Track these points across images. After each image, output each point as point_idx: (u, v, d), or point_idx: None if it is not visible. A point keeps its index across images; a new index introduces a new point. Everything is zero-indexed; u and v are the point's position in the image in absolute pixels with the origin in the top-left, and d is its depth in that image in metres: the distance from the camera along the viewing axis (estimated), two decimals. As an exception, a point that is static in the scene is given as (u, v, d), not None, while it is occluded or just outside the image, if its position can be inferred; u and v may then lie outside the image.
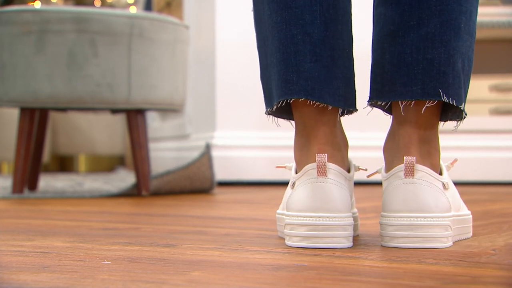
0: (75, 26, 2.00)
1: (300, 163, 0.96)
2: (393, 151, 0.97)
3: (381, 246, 0.94)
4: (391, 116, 1.00)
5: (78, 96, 2.01)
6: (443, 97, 0.93)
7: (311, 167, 0.92)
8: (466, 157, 2.81)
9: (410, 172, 0.92)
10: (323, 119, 0.95)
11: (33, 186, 2.27)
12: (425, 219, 0.91)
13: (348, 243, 0.92)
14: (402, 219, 0.92)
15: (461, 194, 1.05)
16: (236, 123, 2.86)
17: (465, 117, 0.97)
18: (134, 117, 2.11)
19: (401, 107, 0.95)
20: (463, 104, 0.96)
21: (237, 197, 2.12)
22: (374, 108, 1.01)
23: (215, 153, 2.73)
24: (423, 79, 0.94)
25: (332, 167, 0.92)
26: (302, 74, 0.94)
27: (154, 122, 4.06)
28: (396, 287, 0.66)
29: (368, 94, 1.00)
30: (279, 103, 0.96)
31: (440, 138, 0.99)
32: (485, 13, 3.02)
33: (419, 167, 0.93)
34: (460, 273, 0.73)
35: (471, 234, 1.04)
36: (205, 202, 1.94)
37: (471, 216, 1.04)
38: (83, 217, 1.47)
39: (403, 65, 0.95)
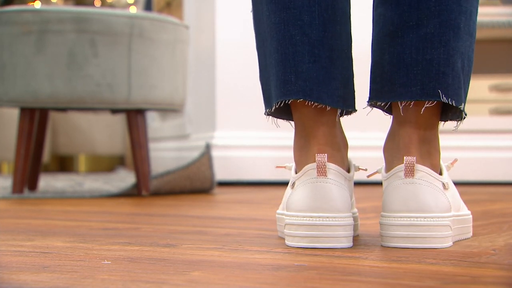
0: (75, 26, 2.00)
1: (300, 164, 0.96)
2: (393, 151, 0.97)
3: (381, 246, 0.94)
4: (391, 116, 1.00)
5: (78, 96, 2.01)
6: (443, 98, 0.93)
7: (311, 167, 0.92)
8: (466, 157, 2.81)
9: (410, 172, 0.92)
10: (322, 119, 0.95)
11: (33, 186, 2.27)
12: (425, 219, 0.91)
13: (348, 243, 0.92)
14: (402, 219, 0.92)
15: (461, 194, 1.05)
16: (236, 123, 2.86)
17: (465, 117, 0.97)
18: (134, 117, 2.11)
19: (401, 107, 0.95)
20: (463, 104, 0.96)
21: (237, 197, 2.12)
22: (374, 108, 1.01)
23: (215, 153, 2.73)
24: (423, 79, 0.93)
25: (332, 167, 0.92)
26: (300, 74, 0.94)
27: (154, 122, 4.06)
28: (396, 287, 0.66)
29: (368, 95, 1.00)
30: (278, 103, 0.96)
31: (440, 138, 0.99)
32: (485, 13, 3.02)
33: (419, 167, 0.93)
34: (460, 273, 0.73)
35: (471, 234, 1.04)
36: (205, 202, 1.94)
37: (471, 216, 1.04)
38: (83, 217, 1.47)
39: (403, 66, 0.95)
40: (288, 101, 0.95)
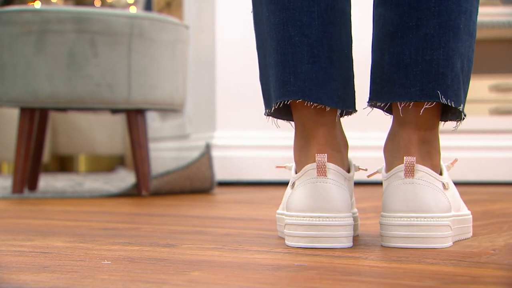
0: (75, 26, 2.00)
1: (300, 164, 0.96)
2: (393, 151, 0.97)
3: (381, 246, 0.94)
4: (392, 116, 1.00)
5: (78, 96, 2.01)
6: (442, 99, 0.93)
7: (311, 167, 0.92)
8: (466, 157, 2.81)
9: (410, 172, 0.92)
10: (322, 120, 0.95)
11: (33, 186, 2.27)
12: (425, 219, 0.91)
13: (348, 243, 0.92)
14: (402, 219, 0.92)
15: (461, 194, 1.05)
16: (236, 123, 2.86)
17: (464, 118, 0.97)
18: (134, 117, 2.11)
19: (400, 108, 0.95)
20: (462, 105, 0.96)
21: (237, 197, 2.12)
22: (374, 108, 1.01)
23: (215, 153, 2.73)
24: (422, 80, 0.93)
25: (331, 167, 0.92)
26: (299, 75, 0.94)
27: (154, 122, 4.06)
28: (396, 287, 0.66)
29: (368, 95, 1.00)
30: (277, 104, 0.96)
31: (440, 138, 0.99)
32: (485, 13, 3.02)
33: (419, 167, 0.93)
34: (460, 273, 0.73)
35: (471, 234, 1.04)
36: (205, 202, 1.94)
37: (471, 216, 1.04)
38: (83, 217, 1.47)
39: (402, 66, 0.94)
40: (288, 102, 0.95)
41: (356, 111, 1.00)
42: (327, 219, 0.91)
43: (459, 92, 0.95)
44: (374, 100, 0.98)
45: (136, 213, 1.61)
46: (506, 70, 3.21)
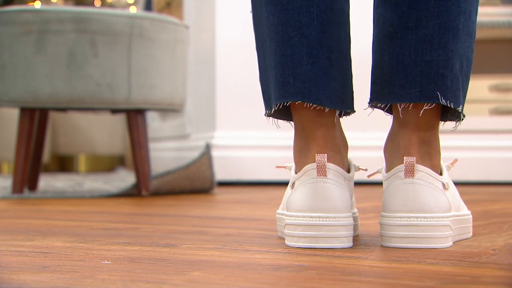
0: (75, 26, 2.00)
1: (300, 164, 0.96)
2: (393, 151, 0.97)
3: (381, 246, 0.94)
4: (392, 116, 1.00)
5: (78, 96, 2.01)
6: (441, 100, 0.93)
7: (310, 167, 0.92)
8: (466, 157, 2.81)
9: (410, 172, 0.92)
10: (321, 121, 0.95)
11: (33, 186, 2.27)
12: (425, 219, 0.91)
13: (348, 243, 0.92)
14: (402, 219, 0.92)
15: (461, 194, 1.05)
16: (236, 123, 2.86)
17: (463, 118, 0.97)
18: (134, 117, 2.11)
19: (400, 109, 0.95)
20: (462, 106, 0.96)
21: (237, 197, 2.12)
22: (375, 109, 1.01)
23: (215, 153, 2.73)
24: (421, 81, 0.93)
25: (331, 167, 0.92)
26: (298, 76, 0.94)
27: (154, 122, 4.06)
28: (396, 287, 0.66)
29: (366, 95, 1.00)
30: (277, 105, 0.96)
31: (440, 138, 0.99)
32: (485, 13, 3.02)
33: (419, 167, 0.93)
34: (460, 273, 0.73)
35: (471, 234, 1.04)
36: (205, 202, 1.94)
37: (471, 216, 1.04)
38: (83, 217, 1.47)
39: (402, 67, 0.94)
40: (287, 103, 0.95)
41: (355, 111, 1.00)
42: (327, 219, 0.91)
43: (458, 93, 0.95)
44: (375, 101, 0.98)
45: (136, 213, 1.61)
46: (506, 70, 3.21)
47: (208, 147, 2.26)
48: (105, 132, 4.81)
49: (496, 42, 3.24)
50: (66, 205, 1.75)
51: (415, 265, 0.78)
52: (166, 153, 3.63)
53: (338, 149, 0.96)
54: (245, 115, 2.83)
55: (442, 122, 1.00)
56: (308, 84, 0.93)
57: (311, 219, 0.91)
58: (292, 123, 1.00)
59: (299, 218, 0.92)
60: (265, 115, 1.02)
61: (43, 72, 2.00)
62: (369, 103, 0.99)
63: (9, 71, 2.03)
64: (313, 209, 0.91)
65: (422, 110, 0.94)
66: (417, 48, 0.94)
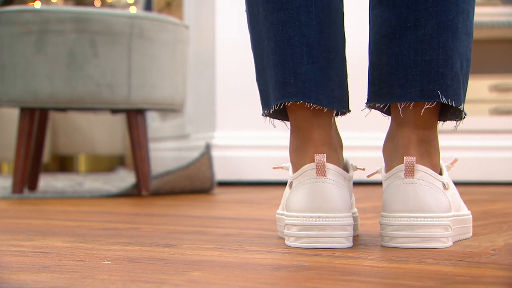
0: (75, 26, 2.00)
1: (296, 165, 0.96)
2: (392, 151, 0.97)
3: (381, 246, 0.94)
4: (390, 117, 1.00)
5: (78, 96, 2.01)
6: (442, 99, 0.93)
7: (309, 167, 0.92)
8: (466, 157, 2.81)
9: (410, 172, 0.92)
10: (319, 121, 0.95)
11: (33, 186, 2.27)
12: (425, 219, 0.91)
13: (348, 243, 0.92)
14: (402, 219, 0.92)
15: (461, 194, 1.05)
16: (236, 123, 2.86)
17: (464, 117, 0.97)
18: (134, 117, 2.11)
19: (400, 109, 0.95)
20: (462, 104, 0.96)
21: (237, 197, 2.12)
22: (373, 109, 1.01)
23: (215, 153, 2.73)
24: (422, 80, 0.93)
25: (330, 167, 0.92)
26: (299, 76, 0.94)
27: (154, 122, 4.06)
28: (396, 287, 0.66)
29: (365, 96, 1.00)
30: (277, 106, 0.96)
31: (440, 138, 0.99)
32: (485, 13, 3.02)
33: (419, 167, 0.93)
34: (460, 273, 0.73)
35: (471, 234, 1.04)
36: (205, 202, 1.94)
37: (471, 216, 1.04)
38: (83, 217, 1.47)
39: (401, 67, 0.94)
40: (288, 104, 0.95)
41: (350, 111, 1.00)
42: (327, 219, 0.91)
43: (459, 92, 0.95)
44: (373, 101, 0.98)
45: (136, 213, 1.61)
46: (506, 70, 3.21)
47: (208, 147, 2.26)
48: (105, 132, 4.81)
49: (496, 42, 3.24)
50: (66, 205, 1.75)
51: (415, 265, 0.78)
52: (166, 153, 3.63)
53: (335, 149, 0.96)
54: (245, 115, 2.83)
55: (442, 122, 1.00)
56: (309, 84, 0.93)
57: (310, 219, 0.91)
58: (287, 123, 1.00)
59: (298, 218, 0.92)
60: (262, 115, 1.02)
61: (43, 72, 2.00)
62: (367, 103, 0.99)
63: (9, 71, 2.03)
64: (313, 209, 0.91)
65: (423, 109, 0.94)
66: (416, 48, 0.94)
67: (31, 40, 2.00)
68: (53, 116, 4.60)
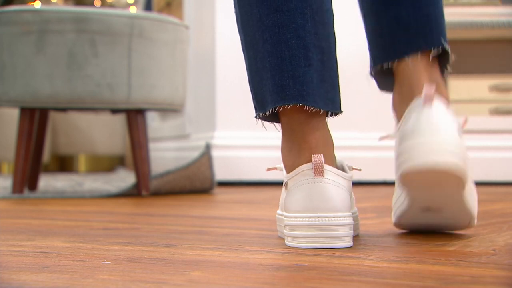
0: (75, 26, 2.00)
1: (290, 166, 0.95)
2: (403, 96, 1.01)
3: (381, 246, 0.94)
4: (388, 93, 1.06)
5: (78, 96, 2.01)
6: (444, 43, 1.01)
7: (306, 168, 0.92)
8: (466, 157, 2.80)
9: (429, 99, 0.93)
10: (313, 122, 0.95)
11: (33, 186, 2.27)
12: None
13: (348, 243, 0.92)
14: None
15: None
16: (236, 123, 2.86)
17: (452, 58, 1.04)
18: (134, 117, 2.11)
19: (409, 61, 1.00)
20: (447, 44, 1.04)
21: (237, 197, 2.12)
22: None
23: (215, 153, 2.73)
24: (424, 32, 1.01)
25: (328, 168, 0.92)
26: (298, 79, 0.94)
27: (154, 122, 4.06)
28: (396, 287, 0.66)
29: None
30: (275, 108, 0.95)
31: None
32: (485, 13, 3.02)
33: (437, 97, 0.94)
34: (460, 273, 0.73)
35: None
36: (205, 202, 1.94)
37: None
38: (83, 217, 1.47)
39: (402, 26, 1.02)
40: (288, 106, 0.94)
41: (342, 112, 1.00)
42: (326, 218, 0.91)
43: (446, 36, 1.04)
44: (379, 63, 1.02)
45: (136, 213, 1.61)
46: (506, 70, 3.21)
47: (208, 147, 2.26)
48: (105, 132, 4.81)
49: (496, 42, 3.24)
50: (66, 205, 1.75)
51: (415, 265, 0.78)
52: (166, 153, 3.63)
53: (329, 150, 0.96)
54: (245, 115, 2.83)
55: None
56: (306, 87, 0.93)
57: (310, 219, 0.91)
58: (277, 124, 1.00)
59: (298, 219, 0.92)
60: (256, 117, 1.01)
61: (43, 72, 2.00)
62: (371, 69, 1.03)
63: (9, 71, 2.03)
64: (312, 209, 0.91)
65: (431, 56, 1.00)
66: (414, 5, 1.01)
67: (31, 40, 2.00)
68: (53, 116, 4.60)
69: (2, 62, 2.04)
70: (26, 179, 2.10)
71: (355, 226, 1.05)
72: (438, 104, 0.92)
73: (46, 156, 4.45)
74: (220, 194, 2.25)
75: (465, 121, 1.01)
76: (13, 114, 4.10)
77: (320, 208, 0.91)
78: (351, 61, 2.32)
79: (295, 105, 0.94)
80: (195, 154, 2.72)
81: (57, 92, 2.00)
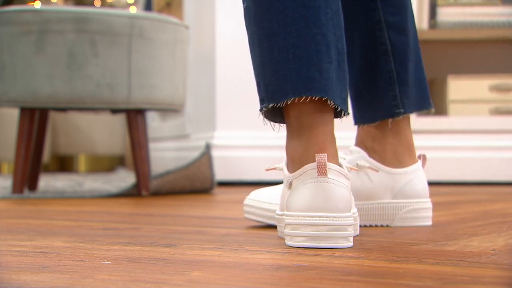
0: (75, 26, 2.00)
1: (297, 163, 0.95)
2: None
3: (381, 246, 0.94)
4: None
5: (78, 96, 2.01)
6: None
7: (311, 167, 0.92)
8: (466, 157, 2.81)
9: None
10: (322, 119, 0.96)
11: (33, 186, 2.27)
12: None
13: (348, 243, 0.92)
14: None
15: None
16: (236, 123, 2.86)
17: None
18: (134, 117, 2.11)
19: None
20: None
21: (237, 197, 2.12)
22: None
23: (215, 153, 2.73)
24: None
25: (332, 167, 0.92)
26: (323, 73, 0.95)
27: (154, 122, 4.06)
28: (396, 287, 0.66)
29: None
30: (299, 99, 0.95)
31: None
32: (485, 13, 3.02)
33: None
34: (460, 273, 0.73)
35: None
36: (205, 202, 1.94)
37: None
38: (83, 217, 1.47)
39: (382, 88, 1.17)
40: (315, 98, 0.94)
41: (349, 114, 1.01)
42: (328, 219, 0.91)
43: None
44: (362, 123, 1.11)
45: (136, 213, 1.61)
46: (506, 70, 3.21)
47: (208, 147, 2.26)
48: (105, 132, 4.81)
49: (496, 42, 3.24)
50: (66, 205, 1.75)
51: (415, 265, 0.78)
52: (166, 153, 3.63)
53: (335, 147, 0.97)
54: (245, 115, 2.83)
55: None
56: (329, 82, 0.95)
57: (311, 218, 0.91)
58: (275, 123, 1.00)
59: (299, 218, 0.92)
60: (260, 110, 1.01)
61: (43, 72, 2.00)
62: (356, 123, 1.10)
63: (9, 71, 2.03)
64: (314, 208, 0.91)
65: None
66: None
67: (31, 40, 2.00)
68: (53, 116, 4.60)
69: (2, 62, 2.04)
70: (26, 179, 2.10)
71: (355, 226, 1.05)
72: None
73: (46, 156, 4.45)
74: (220, 194, 2.25)
75: (424, 159, 1.03)
76: (13, 114, 4.10)
77: (321, 208, 0.91)
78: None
79: (311, 99, 0.94)
80: (195, 154, 2.72)
81: (57, 92, 2.00)
